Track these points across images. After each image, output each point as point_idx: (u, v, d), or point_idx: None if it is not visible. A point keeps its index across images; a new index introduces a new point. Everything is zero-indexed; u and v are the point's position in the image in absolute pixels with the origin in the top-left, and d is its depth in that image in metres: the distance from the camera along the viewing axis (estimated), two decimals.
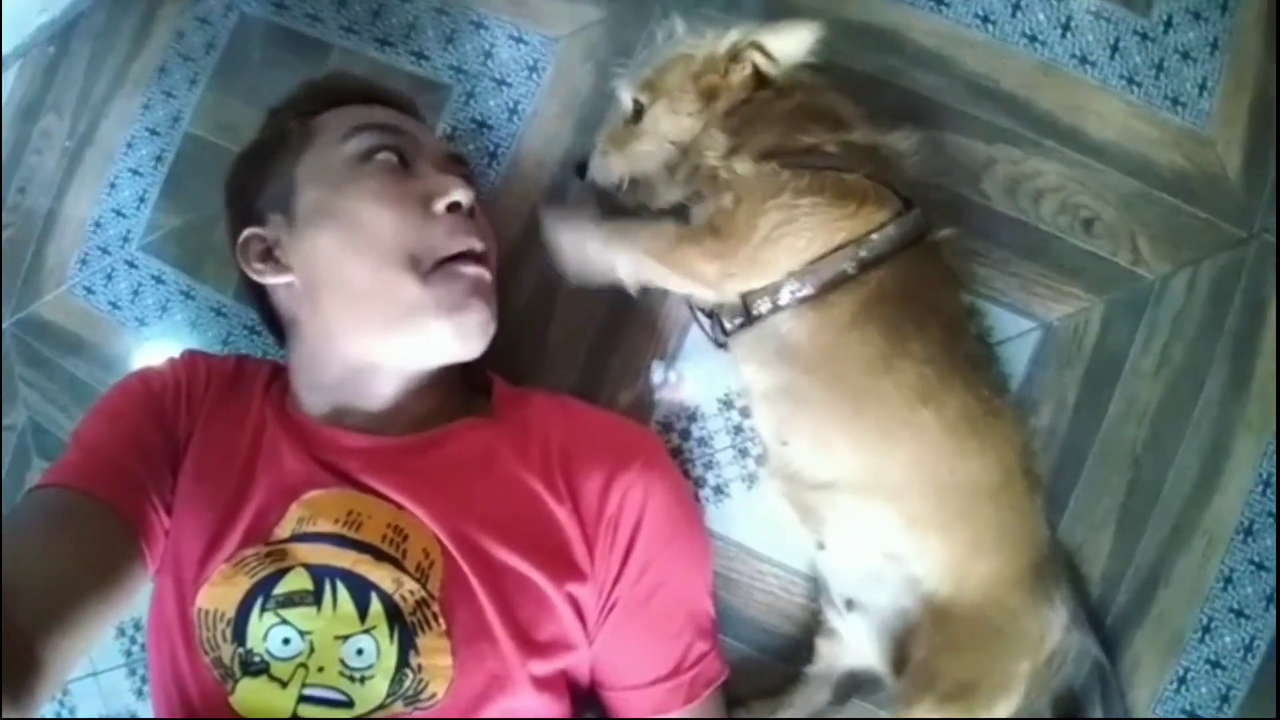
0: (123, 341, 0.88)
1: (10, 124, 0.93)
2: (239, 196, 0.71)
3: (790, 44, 0.64)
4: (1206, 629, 0.69)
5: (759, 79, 0.66)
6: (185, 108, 0.88)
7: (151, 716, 0.83)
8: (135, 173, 0.88)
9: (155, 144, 0.88)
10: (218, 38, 0.88)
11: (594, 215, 0.71)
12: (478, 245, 0.66)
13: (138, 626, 0.85)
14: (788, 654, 0.74)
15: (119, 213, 0.89)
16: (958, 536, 0.61)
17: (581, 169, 0.72)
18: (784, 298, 0.62)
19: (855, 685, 0.71)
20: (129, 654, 0.86)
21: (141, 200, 0.88)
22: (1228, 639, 0.69)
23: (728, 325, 0.67)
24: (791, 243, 0.60)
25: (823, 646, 0.71)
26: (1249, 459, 0.69)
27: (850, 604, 0.67)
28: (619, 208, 0.72)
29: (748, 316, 0.64)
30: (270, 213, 0.67)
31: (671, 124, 0.66)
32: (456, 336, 0.65)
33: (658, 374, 0.76)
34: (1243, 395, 0.69)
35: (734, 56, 0.65)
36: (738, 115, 0.64)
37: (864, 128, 0.65)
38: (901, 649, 0.64)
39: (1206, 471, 0.70)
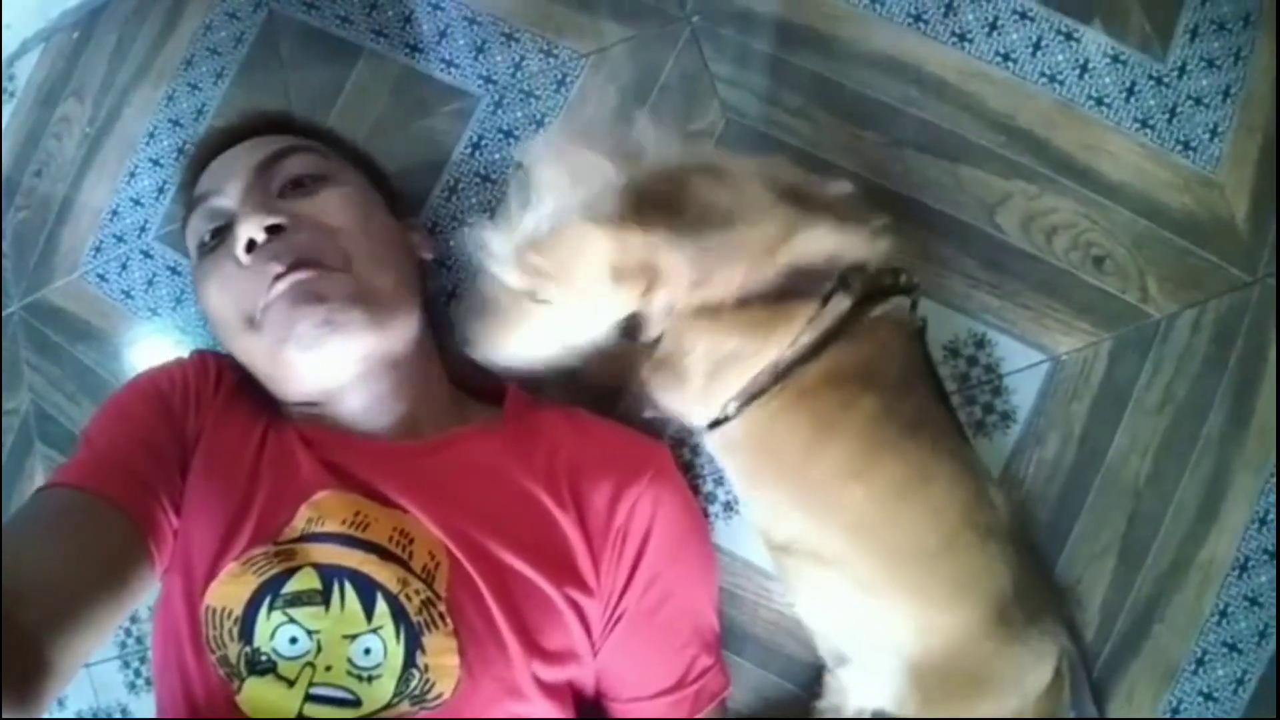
0: (133, 331, 0.88)
1: (30, 108, 0.93)
2: None
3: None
4: (1200, 662, 0.71)
5: None
6: (210, 101, 0.88)
7: (144, 712, 0.84)
8: (156, 163, 0.88)
9: (178, 135, 0.88)
10: (246, 33, 0.88)
11: None
12: (278, 266, 0.62)
13: (133, 620, 0.85)
14: (792, 672, 0.74)
15: (137, 202, 0.88)
16: (911, 597, 0.62)
17: None
18: (730, 409, 0.64)
19: None
20: (123, 646, 0.85)
21: (161, 191, 0.88)
22: (1220, 672, 0.70)
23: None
24: (726, 377, 0.63)
25: (830, 681, 0.71)
26: (1246, 496, 0.71)
27: (841, 659, 0.68)
28: None
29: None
30: None
31: (588, 311, 0.61)
32: (306, 349, 0.62)
33: None
34: (1243, 433, 0.71)
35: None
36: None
37: (779, 235, 0.59)
38: (902, 703, 0.64)
39: (1205, 507, 0.71)
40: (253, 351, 0.66)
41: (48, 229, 0.91)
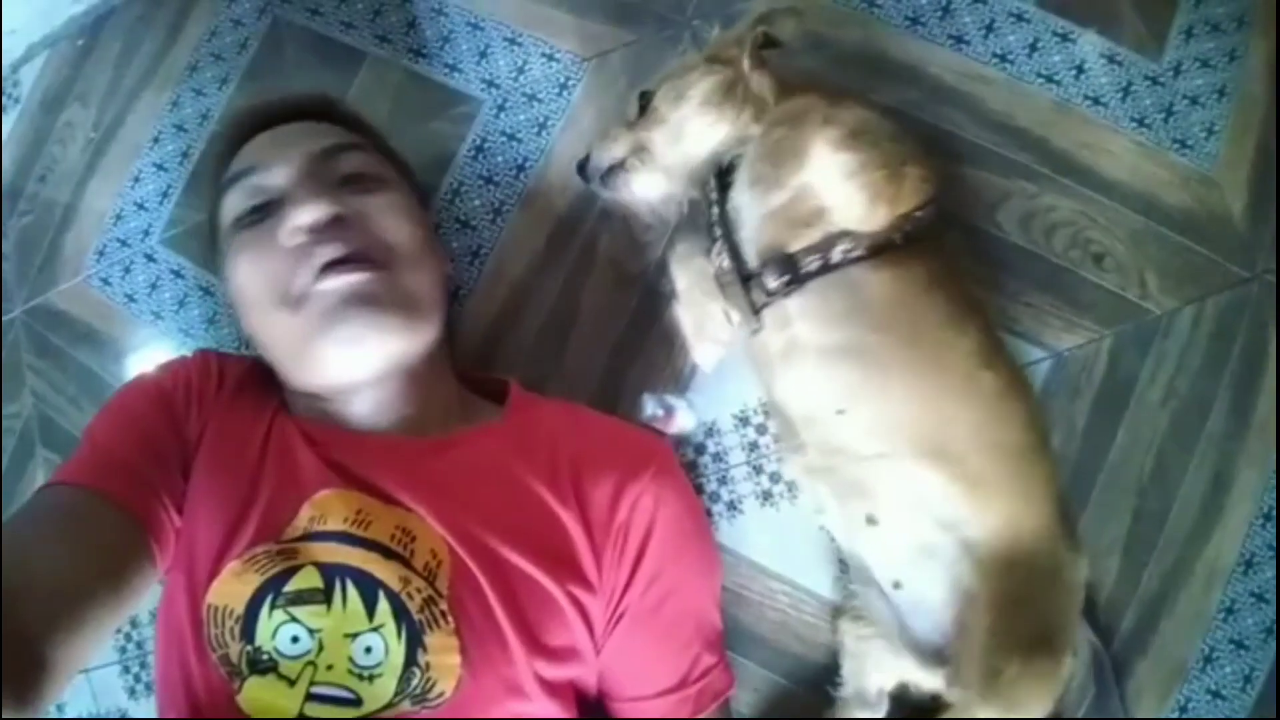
0: (137, 334, 0.88)
1: (34, 113, 0.94)
2: (212, 265, 0.74)
3: (787, 28, 0.67)
4: (1208, 659, 0.70)
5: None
6: (214, 106, 0.88)
7: (144, 715, 0.83)
8: (160, 167, 0.89)
9: (182, 140, 0.88)
10: (251, 39, 0.89)
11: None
12: (332, 253, 0.62)
13: (134, 624, 0.84)
14: (797, 673, 0.74)
15: (140, 206, 0.89)
16: (1012, 494, 0.63)
17: (583, 168, 0.73)
18: (836, 256, 0.63)
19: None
20: (123, 651, 0.84)
21: (164, 195, 0.88)
22: (1228, 669, 0.70)
23: (771, 285, 0.65)
24: (901, 184, 0.63)
25: (849, 665, 0.70)
26: (1250, 492, 0.71)
27: (897, 584, 0.67)
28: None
29: (795, 274, 0.64)
30: None
31: (696, 90, 0.67)
32: (345, 348, 0.62)
33: (648, 407, 0.76)
34: (1245, 429, 0.71)
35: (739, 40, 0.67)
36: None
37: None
38: (958, 621, 0.63)
39: (1209, 503, 0.71)
40: (281, 332, 0.64)
41: (51, 233, 0.91)
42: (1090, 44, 0.76)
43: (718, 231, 0.69)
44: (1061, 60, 0.77)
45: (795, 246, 0.64)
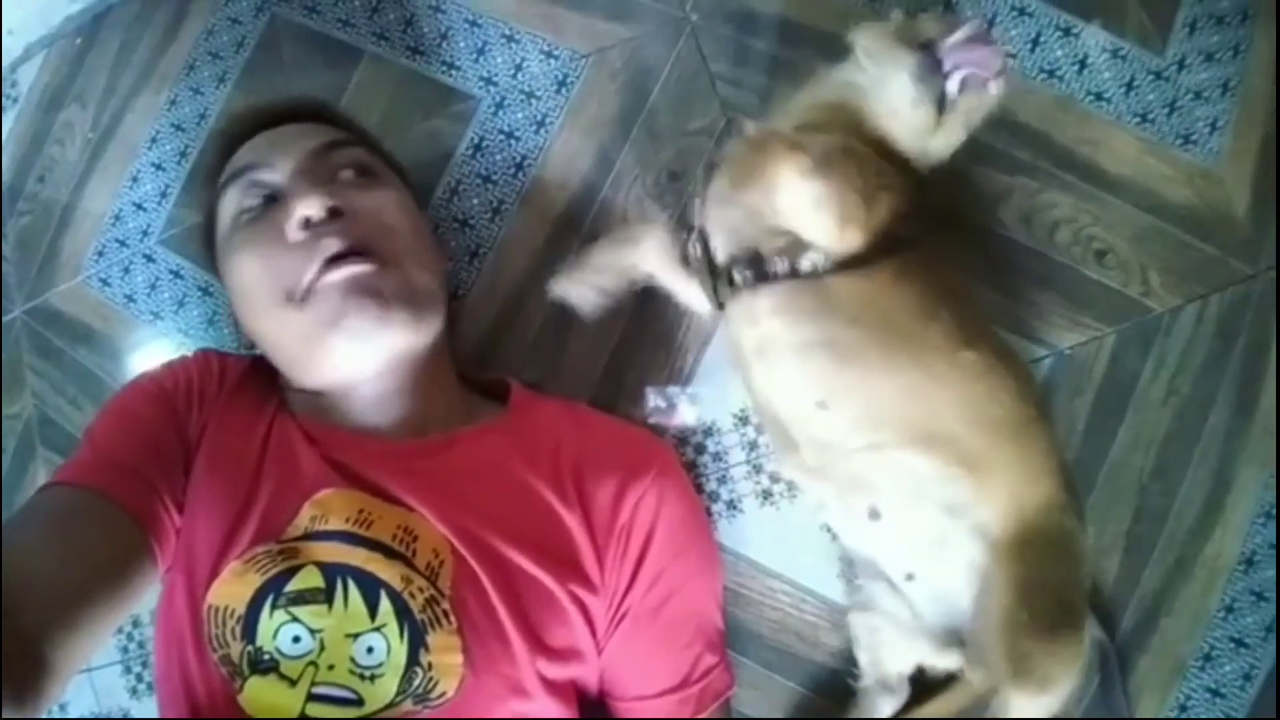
0: (136, 335, 0.88)
1: (32, 113, 0.94)
2: (210, 267, 0.74)
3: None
4: (1208, 657, 0.70)
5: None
6: (212, 105, 0.88)
7: (147, 715, 0.83)
8: (158, 167, 0.89)
9: (180, 140, 0.88)
10: (248, 37, 0.88)
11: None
12: (335, 246, 0.62)
13: (135, 624, 0.84)
14: (796, 672, 0.74)
15: (139, 206, 0.89)
16: (1013, 469, 0.62)
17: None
18: (804, 265, 0.64)
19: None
20: (125, 650, 0.85)
21: (163, 195, 0.88)
22: (1228, 667, 0.70)
23: (738, 279, 0.66)
24: (880, 203, 0.62)
25: (865, 656, 0.70)
26: (1251, 490, 0.70)
27: (910, 577, 0.67)
28: None
29: (760, 274, 0.65)
30: None
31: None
32: (353, 342, 0.63)
33: (652, 399, 0.76)
34: (1247, 427, 0.71)
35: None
36: None
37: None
38: (978, 604, 0.63)
39: (1210, 501, 0.71)
40: (285, 329, 0.64)
41: (50, 234, 0.91)
42: (1093, 38, 0.75)
43: (696, 220, 0.70)
44: (1064, 55, 0.76)
45: (765, 248, 0.65)
